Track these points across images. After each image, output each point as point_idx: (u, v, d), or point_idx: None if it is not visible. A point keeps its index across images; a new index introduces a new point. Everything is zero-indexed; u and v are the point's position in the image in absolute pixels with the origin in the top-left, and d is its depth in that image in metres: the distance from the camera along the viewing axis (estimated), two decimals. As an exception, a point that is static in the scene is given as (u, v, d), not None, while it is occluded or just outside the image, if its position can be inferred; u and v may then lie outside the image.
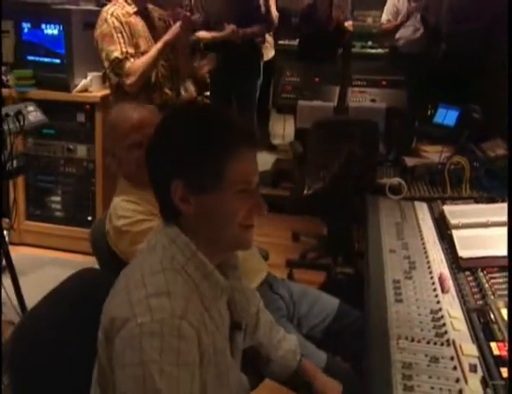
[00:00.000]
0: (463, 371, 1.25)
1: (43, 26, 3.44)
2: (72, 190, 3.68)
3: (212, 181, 1.13)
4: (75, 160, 3.62)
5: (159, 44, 2.82)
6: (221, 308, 1.22)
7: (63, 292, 1.31)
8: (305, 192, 3.06)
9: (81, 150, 3.58)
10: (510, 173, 2.00)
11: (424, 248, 1.90)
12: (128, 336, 1.03)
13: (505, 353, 1.29)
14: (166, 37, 2.83)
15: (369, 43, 6.83)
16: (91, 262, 1.97)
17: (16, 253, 2.61)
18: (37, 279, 3.13)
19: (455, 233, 1.91)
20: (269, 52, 5.60)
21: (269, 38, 5.48)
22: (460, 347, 1.33)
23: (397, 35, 4.85)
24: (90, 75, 3.51)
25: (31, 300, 2.55)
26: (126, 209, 1.78)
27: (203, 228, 1.16)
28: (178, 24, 2.84)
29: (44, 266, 3.45)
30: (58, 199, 3.72)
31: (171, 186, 1.14)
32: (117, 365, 1.04)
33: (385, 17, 4.90)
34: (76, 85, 3.50)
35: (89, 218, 3.62)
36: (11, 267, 2.55)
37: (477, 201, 2.29)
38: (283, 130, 6.25)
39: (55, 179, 3.68)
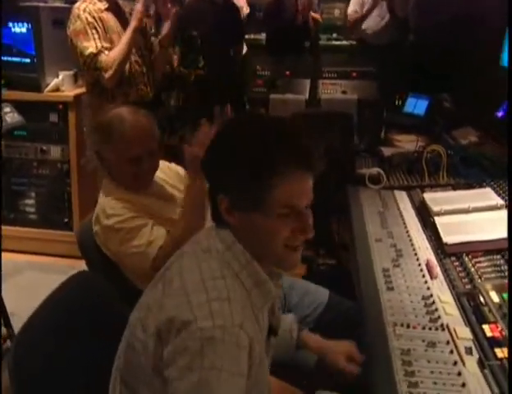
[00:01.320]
0: (459, 354, 1.29)
1: (11, 25, 3.36)
2: (47, 191, 3.60)
3: (254, 203, 1.13)
4: (48, 161, 3.55)
5: (127, 32, 2.82)
6: (264, 315, 1.22)
7: (62, 297, 1.30)
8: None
9: (55, 151, 3.51)
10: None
11: (409, 235, 1.94)
12: (189, 339, 1.02)
13: (497, 334, 1.34)
14: (132, 23, 2.82)
15: (334, 35, 6.87)
16: (70, 264, 1.94)
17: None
18: (15, 284, 3.05)
19: (438, 220, 1.96)
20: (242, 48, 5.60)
21: None
22: (455, 331, 1.37)
23: (363, 26, 4.88)
24: (62, 74, 3.44)
25: (11, 305, 2.54)
26: (116, 208, 1.78)
27: (249, 241, 1.16)
28: (137, 5, 2.83)
29: (22, 270, 3.38)
30: (33, 201, 3.65)
31: (217, 198, 1.16)
32: (172, 365, 1.03)
33: (352, 8, 4.92)
34: (48, 85, 3.43)
35: (66, 220, 3.57)
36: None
37: (454, 188, 2.34)
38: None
39: (28, 181, 3.61)
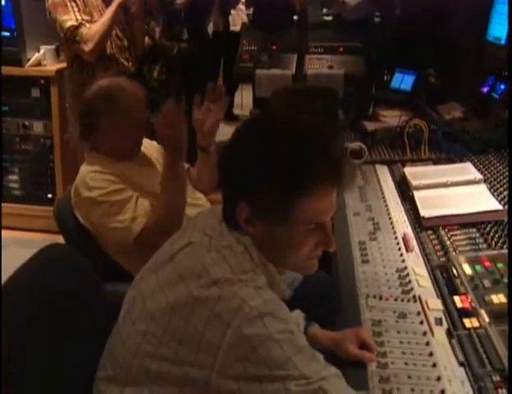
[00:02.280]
0: (429, 324, 1.31)
1: (-11, -3, 3.30)
2: (30, 167, 3.60)
3: (279, 216, 1.07)
4: (31, 137, 3.53)
5: (111, 7, 2.77)
6: None
7: (32, 269, 1.29)
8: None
9: (38, 126, 3.49)
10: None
11: (387, 209, 1.95)
12: (247, 321, 1.00)
13: (467, 305, 1.35)
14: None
15: (324, 10, 6.80)
16: (53, 240, 1.94)
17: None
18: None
19: (417, 194, 1.97)
20: (238, 21, 5.54)
21: (241, 6, 5.40)
22: (426, 302, 1.38)
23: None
24: (43, 49, 3.40)
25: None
26: (98, 180, 1.77)
27: (268, 251, 1.12)
28: None
29: (6, 246, 3.36)
30: (16, 177, 3.64)
31: (237, 205, 1.09)
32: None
33: None
34: (29, 59, 3.39)
35: (49, 196, 3.57)
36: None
37: (435, 162, 2.35)
38: (241, 99, 6.22)
39: (11, 157, 3.59)
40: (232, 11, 5.38)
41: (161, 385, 1.05)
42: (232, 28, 5.57)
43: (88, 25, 2.72)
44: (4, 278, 1.27)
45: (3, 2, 3.28)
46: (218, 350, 1.00)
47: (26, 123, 3.49)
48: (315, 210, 1.07)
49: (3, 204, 3.62)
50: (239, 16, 5.43)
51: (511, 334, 1.21)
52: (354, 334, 1.27)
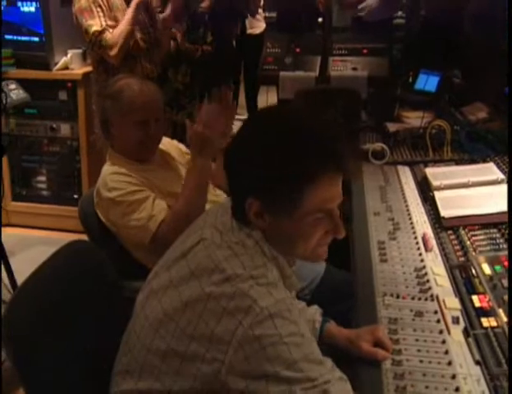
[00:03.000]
0: (446, 323, 1.30)
1: (19, 4, 3.39)
2: (57, 168, 3.67)
3: (289, 208, 1.08)
4: (58, 139, 3.60)
5: (130, 9, 2.81)
6: None
7: (55, 263, 1.33)
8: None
9: (65, 128, 3.56)
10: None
11: (408, 210, 1.94)
12: (257, 321, 1.01)
13: (485, 304, 1.35)
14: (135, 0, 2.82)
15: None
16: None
17: (3, 233, 2.60)
18: (26, 258, 3.13)
19: (437, 194, 1.96)
20: (260, 25, 5.56)
21: (259, 10, 5.43)
22: (443, 301, 1.38)
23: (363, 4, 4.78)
24: (70, 53, 3.48)
25: (22, 277, 2.59)
26: (117, 181, 1.81)
27: (279, 243, 1.13)
28: None
29: (32, 245, 3.46)
30: (43, 178, 3.72)
31: (246, 200, 1.10)
32: (255, 351, 1.02)
33: None
34: (56, 63, 3.47)
35: (75, 196, 3.63)
36: (1, 248, 2.55)
37: (457, 163, 2.33)
38: (266, 101, 6.24)
39: (39, 158, 3.68)
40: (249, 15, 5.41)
41: (172, 379, 1.07)
42: (249, 31, 5.60)
43: (111, 30, 2.76)
44: (27, 274, 1.31)
45: (33, 9, 3.37)
46: (229, 347, 1.01)
47: (54, 125, 3.56)
48: (322, 198, 1.08)
49: (31, 204, 3.74)
50: (255, 19, 5.46)
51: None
52: (368, 332, 1.28)
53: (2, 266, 2.60)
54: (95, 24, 2.74)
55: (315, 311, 1.44)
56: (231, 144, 1.17)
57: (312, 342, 1.10)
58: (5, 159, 3.51)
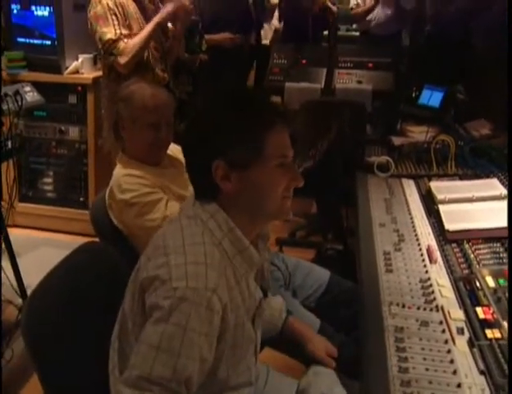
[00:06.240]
0: (451, 333, 1.34)
1: (33, 8, 3.44)
2: (64, 171, 3.71)
3: (253, 156, 1.18)
4: (67, 141, 3.64)
5: (150, 25, 2.84)
6: (250, 280, 1.28)
7: (72, 264, 1.37)
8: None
9: (73, 132, 3.60)
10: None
11: (412, 222, 1.98)
12: (162, 296, 1.09)
13: (489, 316, 1.38)
14: (157, 19, 2.85)
15: (354, 26, 6.85)
16: (84, 241, 2.01)
17: (10, 234, 2.64)
18: (32, 259, 3.17)
19: (442, 208, 2.00)
20: (269, 34, 5.60)
21: (275, 20, 5.46)
22: (448, 312, 1.42)
23: (368, 17, 4.85)
24: (81, 57, 3.53)
25: (28, 279, 2.63)
26: (131, 183, 1.84)
27: (244, 203, 1.21)
28: (168, 6, 2.87)
29: (38, 246, 3.49)
30: (51, 180, 3.76)
31: (211, 167, 1.18)
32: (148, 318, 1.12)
33: (353, 1, 4.92)
34: (67, 67, 3.52)
35: (82, 199, 3.68)
36: (9, 248, 2.59)
37: (461, 178, 2.37)
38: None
39: (47, 160, 3.72)
40: (265, 25, 5.45)
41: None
42: (264, 41, 5.64)
43: (125, 39, 2.79)
44: (36, 275, 1.35)
45: (46, 13, 3.42)
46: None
47: (62, 128, 3.61)
48: (280, 143, 1.22)
49: (37, 206, 3.77)
50: (271, 31, 5.50)
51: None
52: (323, 341, 1.61)
53: (10, 266, 2.63)
54: (109, 32, 2.76)
55: (281, 301, 1.64)
56: (190, 125, 1.28)
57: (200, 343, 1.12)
58: (13, 161, 3.53)
